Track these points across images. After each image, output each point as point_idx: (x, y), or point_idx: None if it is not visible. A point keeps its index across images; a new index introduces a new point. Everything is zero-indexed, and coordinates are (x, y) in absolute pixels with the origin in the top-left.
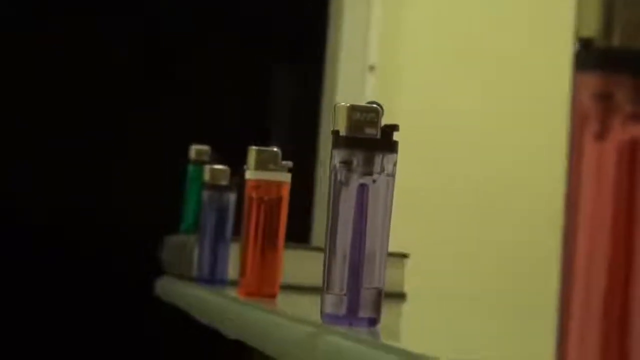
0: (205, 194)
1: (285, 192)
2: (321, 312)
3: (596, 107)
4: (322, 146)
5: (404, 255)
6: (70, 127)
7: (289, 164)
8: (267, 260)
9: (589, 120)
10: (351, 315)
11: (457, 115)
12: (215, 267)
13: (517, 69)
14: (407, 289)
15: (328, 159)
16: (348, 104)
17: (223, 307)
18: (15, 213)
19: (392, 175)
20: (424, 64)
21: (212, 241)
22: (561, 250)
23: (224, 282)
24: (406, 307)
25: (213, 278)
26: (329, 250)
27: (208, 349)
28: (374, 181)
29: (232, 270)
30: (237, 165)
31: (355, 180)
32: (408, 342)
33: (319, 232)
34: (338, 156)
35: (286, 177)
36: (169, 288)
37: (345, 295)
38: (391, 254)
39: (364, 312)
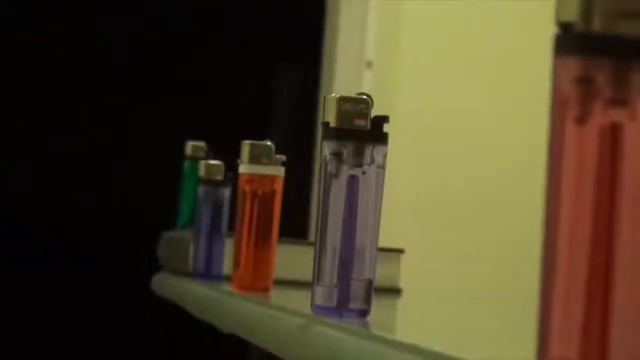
0: (201, 189)
1: (279, 186)
2: (311, 303)
3: (576, 92)
4: (319, 142)
5: (400, 251)
6: (69, 127)
7: (282, 157)
8: (261, 254)
9: (570, 104)
10: (341, 306)
11: (454, 113)
12: (211, 262)
13: (515, 66)
14: (402, 284)
15: None
16: (337, 95)
17: (216, 301)
18: (15, 212)
19: (383, 166)
20: (421, 60)
21: (207, 236)
22: (543, 236)
23: (219, 277)
24: (401, 303)
25: (208, 273)
26: (320, 242)
27: (207, 344)
28: (363, 173)
29: (227, 265)
30: (234, 161)
31: (345, 172)
32: (399, 334)
33: None
34: (328, 148)
35: (279, 171)
36: (164, 283)
37: (335, 287)
38: (387, 250)
39: (355, 304)
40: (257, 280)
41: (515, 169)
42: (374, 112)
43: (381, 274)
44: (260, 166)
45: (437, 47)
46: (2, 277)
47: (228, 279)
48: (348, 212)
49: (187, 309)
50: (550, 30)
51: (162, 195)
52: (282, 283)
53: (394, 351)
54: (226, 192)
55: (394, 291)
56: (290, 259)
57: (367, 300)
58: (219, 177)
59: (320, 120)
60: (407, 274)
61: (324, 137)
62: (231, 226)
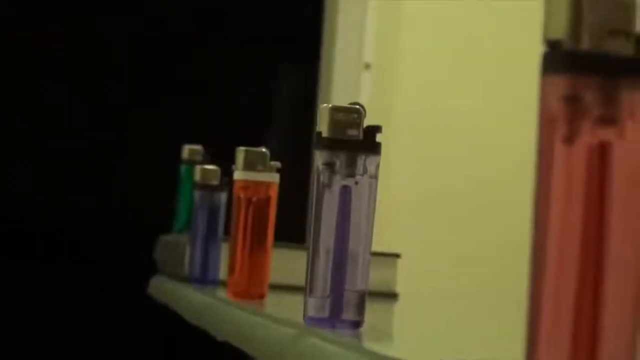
0: (197, 194)
1: (274, 193)
2: (304, 314)
3: (564, 110)
4: None
5: (396, 256)
6: (68, 127)
7: (277, 164)
8: (256, 260)
9: (558, 123)
10: (334, 318)
11: (453, 114)
12: (207, 267)
13: (514, 67)
14: (399, 289)
15: None
16: (330, 105)
17: (209, 308)
18: (14, 213)
19: (375, 177)
20: (420, 61)
21: (203, 241)
22: (531, 255)
23: (215, 282)
24: (398, 307)
25: (204, 278)
26: (313, 253)
27: (205, 348)
28: (356, 183)
29: (223, 270)
30: (230, 166)
31: (338, 182)
32: (392, 344)
33: None
34: (320, 158)
35: (274, 178)
36: (161, 287)
37: (328, 297)
38: (383, 254)
39: (347, 315)
40: (252, 287)
41: (515, 171)
42: (372, 114)
43: (377, 279)
44: (255, 173)
45: (436, 48)
46: (0, 277)
47: (224, 283)
48: (341, 222)
49: (182, 315)
50: None
51: (161, 197)
52: (278, 288)
53: None
54: (222, 197)
55: (391, 296)
56: (287, 264)
57: (360, 311)
58: (215, 182)
59: (317, 120)
60: (404, 278)
61: (317, 147)
62: (227, 231)
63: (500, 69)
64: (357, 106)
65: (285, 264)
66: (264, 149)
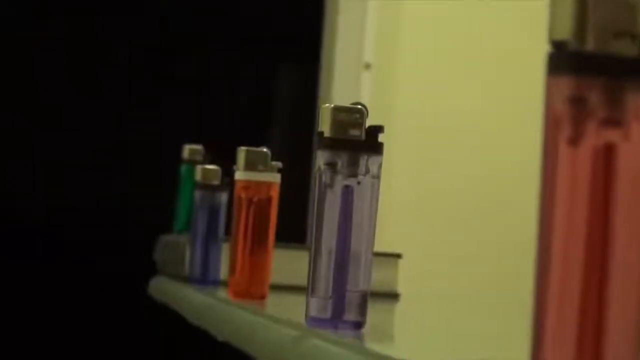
0: (197, 194)
1: (275, 193)
2: (306, 315)
3: (569, 112)
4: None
5: (398, 256)
6: (68, 127)
7: (279, 164)
8: (257, 261)
9: (562, 124)
10: (336, 318)
11: (453, 114)
12: (207, 267)
13: (514, 67)
14: (400, 289)
15: None
16: (332, 105)
17: (210, 308)
18: (14, 213)
19: (378, 177)
20: (420, 62)
21: (203, 241)
22: (536, 256)
23: (216, 283)
24: (399, 308)
25: (205, 278)
26: (314, 253)
27: (206, 348)
28: (358, 183)
29: (224, 270)
30: (230, 166)
31: (340, 182)
32: (394, 344)
33: None
34: (322, 158)
35: (276, 178)
36: (161, 288)
37: (330, 298)
38: (384, 254)
39: (349, 316)
40: (253, 287)
41: (515, 171)
42: (373, 114)
43: (379, 279)
44: (256, 173)
45: (436, 49)
46: (0, 277)
47: (225, 284)
48: (343, 222)
49: (182, 315)
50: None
51: (161, 197)
52: (279, 288)
53: None
54: (223, 197)
55: (392, 296)
56: (289, 264)
57: (362, 312)
58: (216, 182)
59: (317, 120)
60: (405, 278)
61: (319, 147)
62: (228, 231)
63: (501, 69)
64: (360, 106)
65: (286, 264)
66: (265, 149)
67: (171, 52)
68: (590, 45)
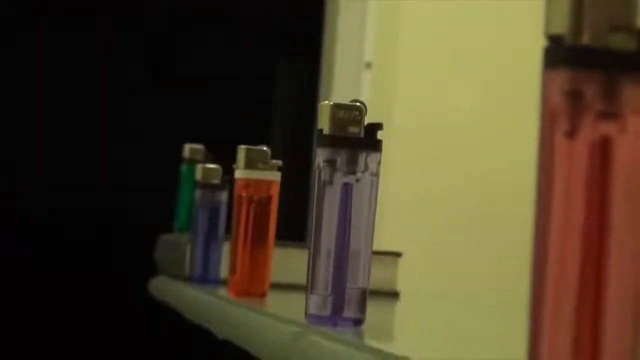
0: (198, 193)
1: (275, 192)
2: (305, 312)
3: (566, 105)
4: None
5: (397, 254)
6: (69, 127)
7: (279, 162)
8: (257, 259)
9: (559, 118)
10: (336, 315)
11: (454, 113)
12: (208, 266)
13: (514, 67)
14: (400, 287)
15: None
16: (331, 103)
17: (210, 306)
18: (14, 213)
19: (377, 174)
20: (421, 61)
21: (204, 240)
22: (532, 251)
23: (216, 282)
24: (399, 306)
25: (205, 277)
26: (314, 251)
27: (206, 347)
28: (357, 180)
29: (224, 269)
30: (231, 165)
31: (339, 180)
32: (393, 342)
33: None
34: (322, 155)
35: (276, 176)
36: (161, 287)
37: (329, 295)
38: (384, 253)
39: (349, 313)
40: (254, 285)
41: (515, 170)
42: (373, 113)
43: (379, 278)
44: (256, 171)
45: (436, 48)
46: (0, 276)
47: (225, 282)
48: (342, 220)
49: (183, 314)
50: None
51: (162, 197)
52: (280, 286)
53: None
54: (223, 196)
55: (392, 295)
56: (289, 262)
57: (362, 309)
58: (216, 181)
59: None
60: (405, 277)
61: (318, 145)
62: (228, 230)
63: (500, 68)
64: (359, 104)
65: (286, 262)
66: (265, 148)
67: (171, 52)
68: (586, 39)
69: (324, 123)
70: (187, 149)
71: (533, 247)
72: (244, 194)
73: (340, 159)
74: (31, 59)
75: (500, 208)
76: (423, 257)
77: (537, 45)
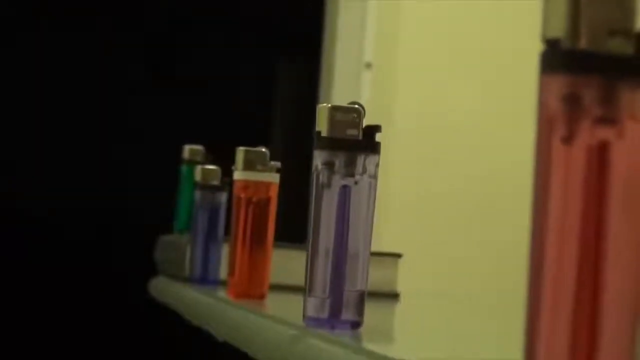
0: (197, 194)
1: (274, 193)
2: (303, 315)
3: (563, 110)
4: None
5: (398, 255)
6: (69, 128)
7: (277, 164)
8: (256, 260)
9: (556, 123)
10: (334, 318)
11: (454, 114)
12: (207, 267)
13: (514, 67)
14: (400, 289)
15: None
16: (329, 105)
17: (209, 308)
18: (14, 213)
19: (375, 176)
20: (421, 61)
21: (204, 241)
22: (529, 256)
23: (216, 282)
24: (399, 307)
25: (205, 278)
26: (312, 253)
27: (206, 350)
28: (355, 183)
29: (224, 270)
30: (230, 166)
31: (337, 182)
32: (392, 344)
33: None
34: (320, 157)
35: (274, 178)
36: (161, 288)
37: (327, 298)
38: (384, 254)
39: (347, 315)
40: (253, 287)
41: (515, 170)
42: (373, 113)
43: (378, 279)
44: (255, 172)
45: (437, 48)
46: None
47: (225, 283)
48: (340, 222)
49: (183, 315)
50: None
51: (162, 197)
52: (279, 288)
53: None
54: (223, 197)
55: (392, 296)
56: (288, 264)
57: (360, 312)
58: (216, 182)
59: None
60: (405, 278)
61: (316, 147)
62: (228, 231)
63: (500, 69)
64: (357, 106)
65: (285, 264)
66: (263, 149)
67: (171, 52)
68: (583, 43)
69: (322, 125)
70: (187, 150)
71: (530, 252)
72: (242, 195)
73: (339, 161)
74: (31, 59)
75: (500, 208)
76: (423, 258)
77: (536, 46)
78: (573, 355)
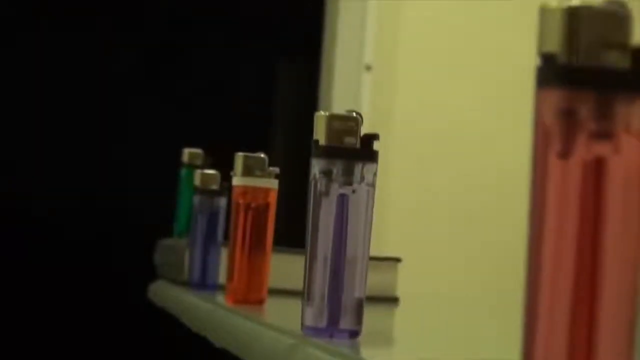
0: (196, 199)
1: (273, 199)
2: (302, 323)
3: (559, 125)
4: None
5: (397, 260)
6: (68, 131)
7: (276, 170)
8: (255, 266)
9: (552, 138)
10: (332, 327)
11: (453, 116)
12: (206, 272)
13: (514, 71)
14: (399, 293)
15: None
16: (327, 113)
17: (209, 315)
18: (14, 213)
19: (373, 185)
20: (420, 64)
21: (203, 246)
22: (526, 270)
23: (214, 287)
24: (398, 312)
25: (204, 282)
26: (310, 261)
27: (204, 355)
28: (353, 191)
29: (223, 274)
30: (231, 166)
31: (335, 190)
32: (390, 351)
33: None
34: (318, 166)
35: (273, 184)
36: (161, 293)
37: (326, 307)
38: (384, 259)
39: (345, 324)
40: (251, 293)
41: (514, 174)
42: (373, 115)
43: (378, 284)
44: (253, 178)
45: (436, 51)
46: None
47: (223, 288)
48: (338, 231)
49: (181, 320)
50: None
51: (163, 196)
52: (278, 292)
53: None
54: (222, 202)
55: (391, 300)
56: (287, 268)
57: (358, 320)
58: (215, 187)
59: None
60: (404, 282)
61: (314, 155)
62: (227, 235)
63: (500, 71)
64: (355, 114)
65: (285, 268)
66: (262, 155)
67: (171, 52)
68: (579, 58)
69: (320, 134)
70: (186, 153)
71: (526, 268)
72: (241, 201)
73: (337, 169)
74: (31, 59)
75: (499, 212)
76: (423, 262)
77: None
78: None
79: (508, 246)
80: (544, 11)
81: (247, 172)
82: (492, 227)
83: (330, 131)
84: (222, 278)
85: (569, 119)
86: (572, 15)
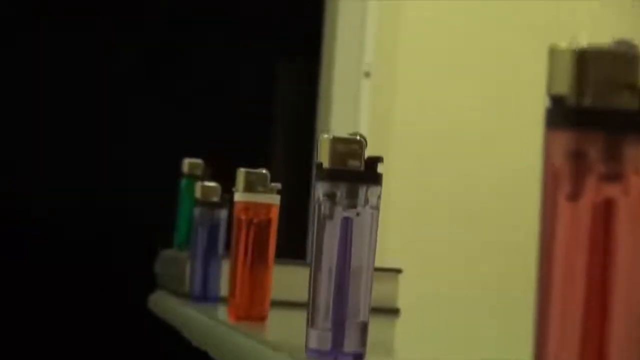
0: (197, 211)
1: (274, 215)
2: (306, 346)
3: (569, 166)
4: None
5: (398, 271)
6: (68, 138)
7: (278, 185)
8: (256, 282)
9: (562, 180)
10: (336, 350)
11: (453, 116)
12: (207, 284)
13: (515, 73)
14: (400, 304)
15: None
16: (331, 136)
17: (210, 331)
18: (14, 212)
19: (377, 207)
20: (420, 64)
21: (203, 258)
22: (535, 312)
23: (216, 299)
24: (399, 323)
25: (205, 295)
26: (314, 285)
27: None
28: (357, 214)
29: (224, 286)
30: (233, 175)
31: (339, 214)
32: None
33: None
34: (321, 189)
35: (275, 200)
36: (161, 304)
37: (329, 330)
38: (384, 269)
39: (349, 347)
40: (253, 309)
41: (516, 182)
42: (373, 119)
43: (379, 295)
44: (255, 194)
45: (436, 50)
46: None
47: (224, 300)
48: (342, 254)
49: (182, 334)
50: (549, 36)
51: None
52: (281, 304)
53: None
54: (222, 214)
55: (392, 311)
56: (291, 280)
57: (362, 342)
58: (215, 199)
59: (317, 128)
60: (405, 293)
61: (317, 178)
62: (228, 247)
63: (500, 72)
64: (358, 137)
65: (286, 280)
66: (264, 171)
67: (171, 52)
68: (588, 99)
69: (323, 156)
70: (187, 163)
71: (536, 310)
72: (243, 217)
73: (340, 192)
74: (31, 59)
75: (501, 217)
76: (424, 273)
77: (538, 52)
78: None
79: (508, 246)
80: (553, 53)
81: (249, 188)
82: (493, 227)
83: (333, 154)
84: (223, 290)
85: (578, 160)
86: (581, 57)
